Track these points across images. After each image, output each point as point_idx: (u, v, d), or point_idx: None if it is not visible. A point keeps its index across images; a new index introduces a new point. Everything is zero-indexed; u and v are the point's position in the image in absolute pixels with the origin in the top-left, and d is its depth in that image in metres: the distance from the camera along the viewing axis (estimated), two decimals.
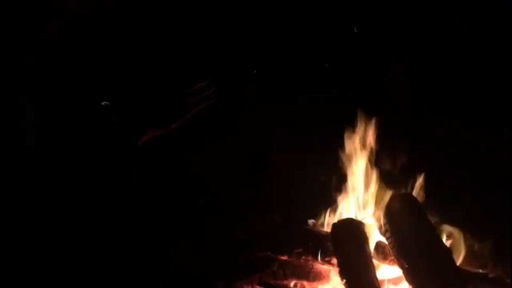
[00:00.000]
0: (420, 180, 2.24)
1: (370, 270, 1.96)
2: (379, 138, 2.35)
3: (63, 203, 1.61)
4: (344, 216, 2.24)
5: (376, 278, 1.93)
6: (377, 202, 2.12)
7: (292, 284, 2.20)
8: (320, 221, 2.33)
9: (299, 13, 3.66)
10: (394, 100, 3.52)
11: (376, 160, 2.30)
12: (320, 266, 2.18)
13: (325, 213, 2.33)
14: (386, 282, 2.05)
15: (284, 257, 2.25)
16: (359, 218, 2.17)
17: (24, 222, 1.53)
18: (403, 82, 3.61)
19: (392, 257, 1.99)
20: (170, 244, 2.56)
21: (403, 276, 1.91)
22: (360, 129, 2.40)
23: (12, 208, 1.48)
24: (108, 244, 2.29)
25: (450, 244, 2.10)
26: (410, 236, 1.93)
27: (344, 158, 2.35)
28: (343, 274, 1.97)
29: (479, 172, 2.82)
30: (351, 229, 2.08)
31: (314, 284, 2.18)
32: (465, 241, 2.14)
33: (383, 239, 2.06)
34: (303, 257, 2.18)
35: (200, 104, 1.77)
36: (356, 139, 2.36)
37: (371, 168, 2.28)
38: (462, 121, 3.12)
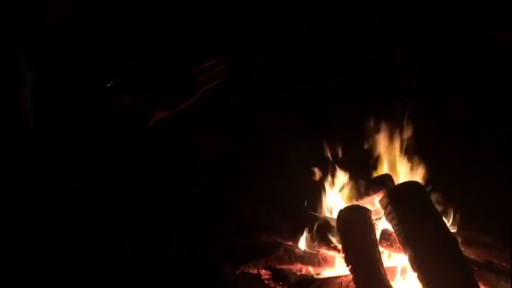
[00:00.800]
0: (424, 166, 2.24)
1: (375, 257, 1.96)
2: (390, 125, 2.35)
3: (63, 203, 1.60)
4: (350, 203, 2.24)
5: (382, 265, 1.94)
6: (384, 189, 2.11)
7: (297, 269, 2.21)
8: (325, 207, 2.34)
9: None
10: (405, 86, 3.52)
11: (385, 147, 2.29)
12: (326, 252, 2.19)
13: (331, 199, 2.33)
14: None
15: (290, 242, 2.26)
16: (365, 205, 2.16)
17: (24, 222, 1.52)
18: (415, 68, 3.61)
19: (398, 245, 2.00)
20: (175, 230, 2.58)
21: (408, 264, 1.92)
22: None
23: (12, 208, 1.48)
24: (108, 244, 2.31)
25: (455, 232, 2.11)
26: (416, 224, 1.93)
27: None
28: (348, 260, 1.98)
29: (488, 160, 2.82)
30: (358, 216, 2.09)
31: (320, 269, 2.19)
32: (470, 229, 2.14)
33: (389, 227, 2.06)
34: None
35: (209, 83, 1.74)
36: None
37: (380, 155, 2.28)
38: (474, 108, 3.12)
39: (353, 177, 2.25)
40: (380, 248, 2.03)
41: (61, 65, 1.77)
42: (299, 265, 2.21)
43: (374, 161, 2.28)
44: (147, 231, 2.53)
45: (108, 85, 1.78)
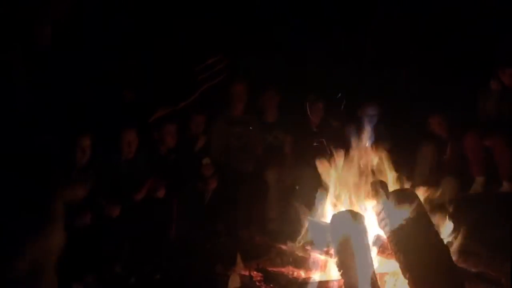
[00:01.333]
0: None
1: (367, 262, 1.98)
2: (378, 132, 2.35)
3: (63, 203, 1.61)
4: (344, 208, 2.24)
5: (374, 271, 1.96)
6: (378, 196, 2.12)
7: (288, 272, 2.23)
8: (319, 211, 2.34)
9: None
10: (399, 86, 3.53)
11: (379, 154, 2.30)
12: (318, 256, 2.21)
13: (325, 203, 2.34)
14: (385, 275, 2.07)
15: (283, 245, 2.27)
16: (359, 211, 2.17)
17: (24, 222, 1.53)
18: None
19: (390, 251, 2.01)
20: (173, 229, 2.59)
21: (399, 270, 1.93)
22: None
23: (12, 208, 1.49)
24: (108, 244, 2.32)
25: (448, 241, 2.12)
26: (409, 231, 1.95)
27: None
28: (340, 265, 1.99)
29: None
30: (351, 221, 2.09)
31: (311, 273, 2.20)
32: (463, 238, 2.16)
33: (382, 233, 2.07)
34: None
35: (210, 80, 1.75)
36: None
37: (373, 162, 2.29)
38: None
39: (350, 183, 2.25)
40: (372, 254, 2.04)
41: (61, 64, 1.77)
42: (290, 268, 2.22)
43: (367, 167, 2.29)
44: (146, 231, 2.55)
45: (110, 83, 1.79)
